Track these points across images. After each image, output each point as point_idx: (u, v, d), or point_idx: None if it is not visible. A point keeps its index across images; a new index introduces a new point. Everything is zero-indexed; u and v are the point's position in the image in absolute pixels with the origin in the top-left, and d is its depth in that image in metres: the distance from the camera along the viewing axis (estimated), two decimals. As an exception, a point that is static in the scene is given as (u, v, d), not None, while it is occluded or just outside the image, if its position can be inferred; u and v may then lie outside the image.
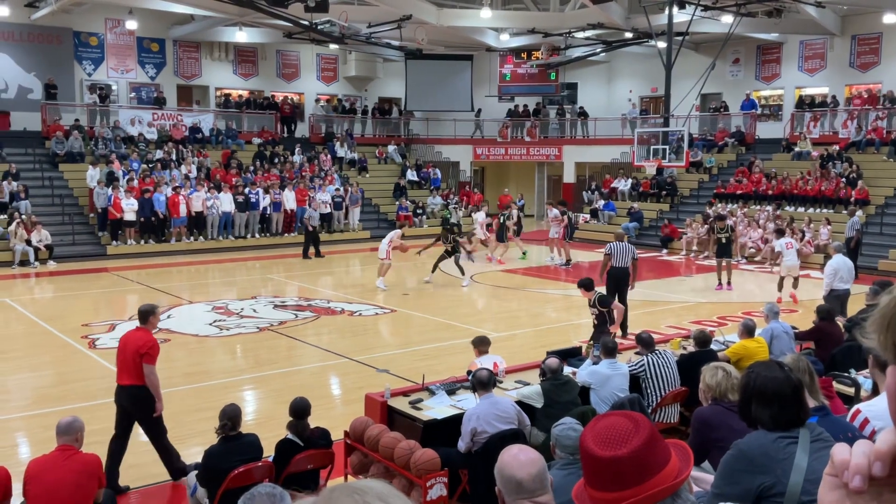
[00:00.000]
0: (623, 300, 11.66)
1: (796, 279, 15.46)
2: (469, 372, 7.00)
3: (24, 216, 20.13)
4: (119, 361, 6.73)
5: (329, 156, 29.20)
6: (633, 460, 1.89)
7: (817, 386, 3.64)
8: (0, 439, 7.66)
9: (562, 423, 3.80)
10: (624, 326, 11.28)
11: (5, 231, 20.08)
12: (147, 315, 6.72)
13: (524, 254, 21.86)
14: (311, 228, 21.75)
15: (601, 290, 10.82)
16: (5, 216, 20.52)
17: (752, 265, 20.73)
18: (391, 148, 31.66)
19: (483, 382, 6.07)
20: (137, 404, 6.68)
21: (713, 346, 8.22)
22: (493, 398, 6.05)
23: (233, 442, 5.49)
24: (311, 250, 21.56)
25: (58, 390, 9.69)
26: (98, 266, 19.75)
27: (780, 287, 15.49)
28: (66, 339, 12.07)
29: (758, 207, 23.27)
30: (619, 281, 12.01)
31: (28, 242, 19.63)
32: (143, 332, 6.69)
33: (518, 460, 2.36)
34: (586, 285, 10.23)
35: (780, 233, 16.73)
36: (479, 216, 21.60)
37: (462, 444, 5.89)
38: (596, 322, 10.05)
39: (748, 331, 7.72)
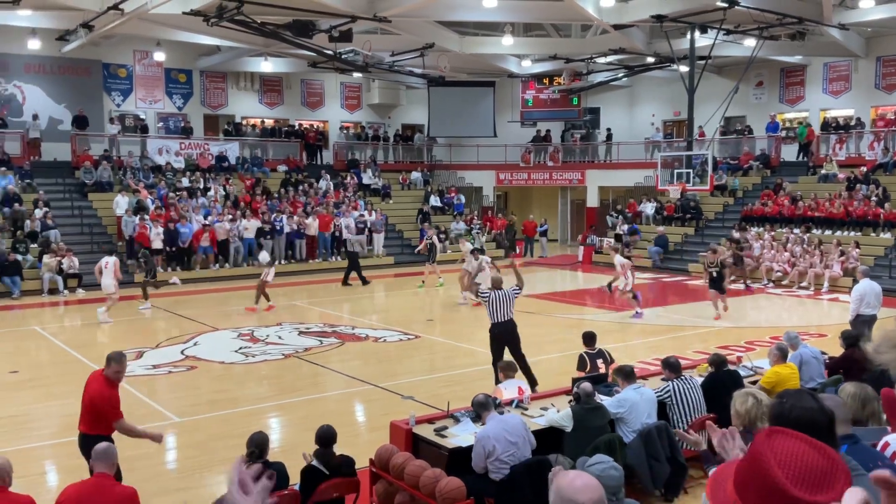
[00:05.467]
0: (519, 357, 9.93)
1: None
2: (495, 398, 6.98)
3: (54, 244, 20.46)
4: (81, 405, 6.43)
5: (355, 180, 29.46)
6: None
7: (880, 410, 3.53)
8: (28, 467, 7.72)
9: (599, 462, 3.68)
10: (532, 381, 9.78)
11: (35, 260, 20.39)
12: (110, 361, 6.33)
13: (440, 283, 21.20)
14: (349, 253, 21.79)
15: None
16: (36, 245, 20.85)
17: (779, 289, 20.50)
18: (414, 174, 31.85)
19: (482, 404, 6.29)
20: (86, 452, 6.08)
21: (741, 371, 8.14)
22: (499, 417, 6.12)
23: (259, 470, 5.50)
24: (353, 275, 21.34)
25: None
26: (126, 294, 19.95)
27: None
28: (94, 367, 12.13)
29: (784, 230, 23.05)
30: (501, 339, 10.09)
31: (60, 271, 19.93)
32: (101, 380, 6.30)
33: (576, 486, 2.31)
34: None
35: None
36: (467, 247, 19.84)
37: (476, 465, 5.89)
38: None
39: (783, 355, 7.61)
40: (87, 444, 6.09)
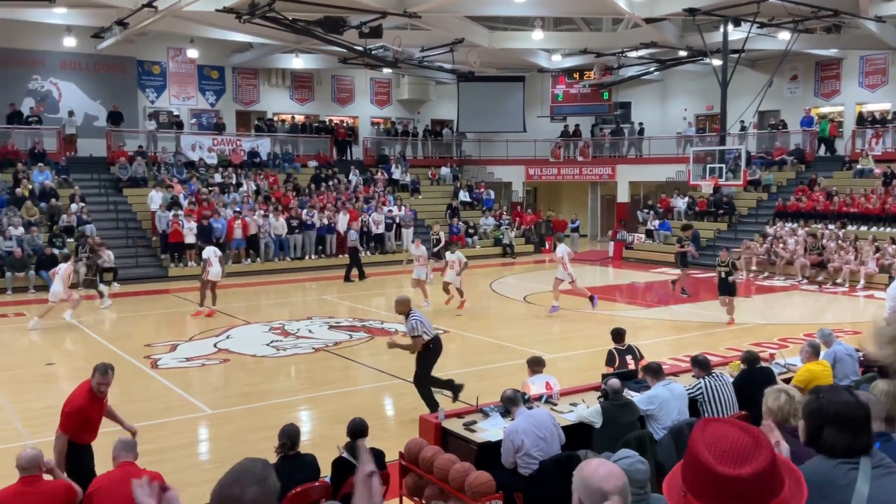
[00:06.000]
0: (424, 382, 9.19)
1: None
2: (523, 393, 6.99)
3: (90, 239, 20.81)
4: None
5: (385, 175, 29.59)
6: (754, 482, 1.78)
7: None
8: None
9: (627, 456, 3.69)
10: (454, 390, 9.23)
11: (72, 254, 20.75)
12: (94, 372, 6.19)
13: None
14: (351, 247, 21.73)
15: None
16: (72, 239, 21.22)
17: (812, 285, 20.22)
18: (444, 169, 31.88)
19: (511, 399, 6.31)
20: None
21: (774, 369, 8.05)
22: (528, 412, 6.13)
23: (292, 461, 5.57)
24: (354, 272, 21.42)
25: (121, 409, 9.90)
26: (160, 288, 20.28)
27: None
28: (129, 359, 12.39)
29: (819, 226, 22.73)
30: (437, 355, 9.24)
31: (96, 266, 20.25)
32: (83, 388, 6.19)
33: (599, 473, 2.33)
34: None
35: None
36: (454, 257, 17.23)
37: (505, 461, 5.91)
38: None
39: (815, 352, 7.52)
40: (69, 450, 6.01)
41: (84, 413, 6.10)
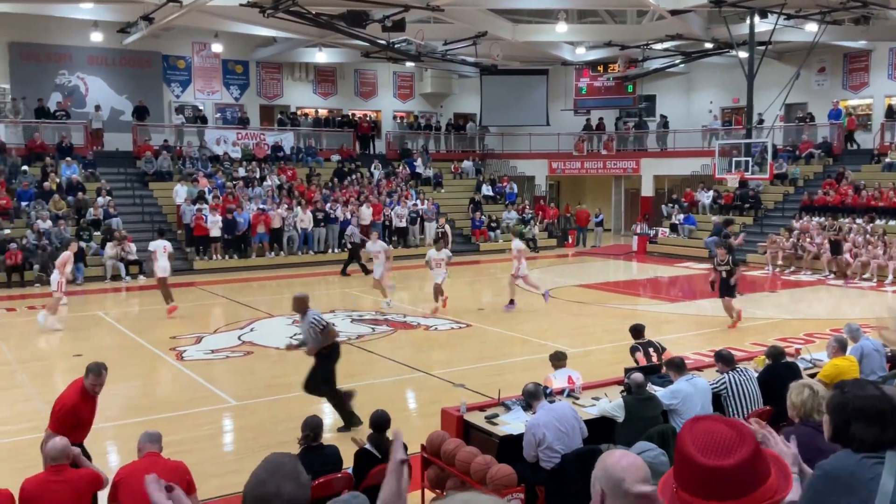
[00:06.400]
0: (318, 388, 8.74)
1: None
2: (545, 387, 6.98)
3: (116, 232, 21.08)
4: None
5: (408, 170, 29.64)
6: (738, 472, 1.84)
7: None
8: (89, 447, 7.97)
9: (648, 449, 3.69)
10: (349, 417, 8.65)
11: (98, 247, 21.03)
12: (88, 372, 6.13)
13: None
14: (350, 245, 21.65)
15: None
16: (99, 232, 21.48)
17: (840, 280, 19.97)
18: (466, 163, 31.84)
19: (532, 393, 6.29)
20: None
21: (799, 364, 7.97)
22: (549, 406, 6.12)
23: (315, 452, 5.61)
24: (356, 267, 21.29)
25: (147, 401, 10.08)
26: (186, 280, 20.44)
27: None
28: (155, 351, 12.53)
29: (847, 220, 22.43)
30: (336, 361, 8.81)
31: (121, 258, 20.54)
32: (76, 387, 6.13)
33: (621, 464, 2.33)
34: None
35: None
36: (442, 254, 15.83)
37: (527, 454, 5.90)
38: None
39: (841, 347, 7.43)
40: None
41: (77, 412, 6.05)
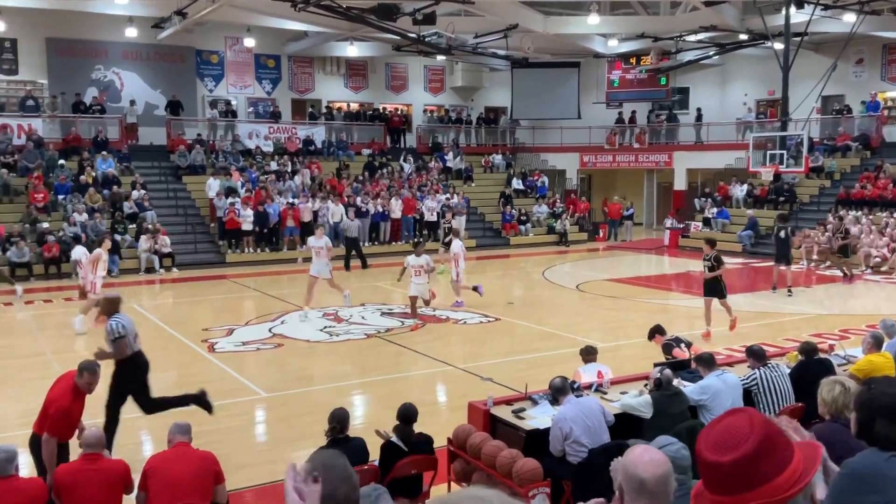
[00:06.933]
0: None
1: None
2: (573, 381, 6.95)
3: (150, 226, 21.38)
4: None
5: (440, 164, 29.65)
6: (737, 467, 1.83)
7: None
8: (124, 437, 8.11)
9: (669, 443, 3.67)
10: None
11: (133, 240, 21.35)
12: (82, 371, 6.02)
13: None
14: (346, 239, 21.61)
15: None
16: (134, 226, 21.80)
17: (878, 275, 19.61)
18: (497, 157, 31.76)
19: (559, 388, 6.28)
20: (36, 454, 5.98)
21: (833, 360, 7.84)
22: (576, 400, 6.10)
23: (341, 445, 5.64)
24: (358, 262, 21.33)
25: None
26: (218, 273, 20.69)
27: None
28: (187, 342, 12.70)
29: (884, 214, 22.00)
30: (144, 371, 7.72)
31: (155, 251, 20.82)
32: (68, 385, 6.02)
33: (642, 460, 2.31)
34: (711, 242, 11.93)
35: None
36: (422, 260, 14.65)
37: (553, 448, 5.88)
38: None
39: (877, 343, 7.29)
40: (38, 446, 5.88)
41: (70, 414, 5.98)
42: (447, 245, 19.46)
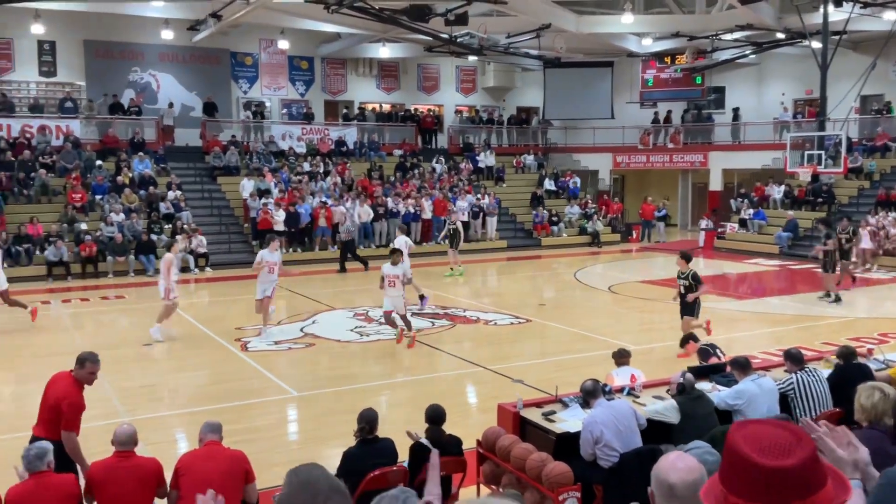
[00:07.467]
0: None
1: None
2: (605, 384, 6.87)
3: (185, 225, 21.64)
4: (40, 406, 6.07)
5: (472, 165, 29.61)
6: (801, 473, 1.80)
7: None
8: (157, 434, 8.21)
9: (697, 447, 3.61)
10: None
11: (171, 239, 21.60)
12: (84, 362, 6.01)
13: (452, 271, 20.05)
14: (344, 241, 21.52)
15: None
16: (170, 226, 22.07)
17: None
18: (528, 157, 31.63)
19: (590, 391, 6.19)
20: None
21: (872, 365, 7.66)
22: (608, 403, 6.03)
23: (370, 445, 5.64)
24: (358, 264, 21.23)
25: (213, 389, 10.30)
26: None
27: None
28: (221, 341, 12.81)
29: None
30: None
31: (190, 251, 21.07)
32: (70, 382, 6.00)
33: (675, 465, 2.28)
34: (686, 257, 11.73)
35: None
36: (398, 270, 12.85)
37: (584, 452, 5.82)
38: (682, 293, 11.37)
39: (916, 348, 7.11)
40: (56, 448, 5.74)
41: (81, 408, 6.00)
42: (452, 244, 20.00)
